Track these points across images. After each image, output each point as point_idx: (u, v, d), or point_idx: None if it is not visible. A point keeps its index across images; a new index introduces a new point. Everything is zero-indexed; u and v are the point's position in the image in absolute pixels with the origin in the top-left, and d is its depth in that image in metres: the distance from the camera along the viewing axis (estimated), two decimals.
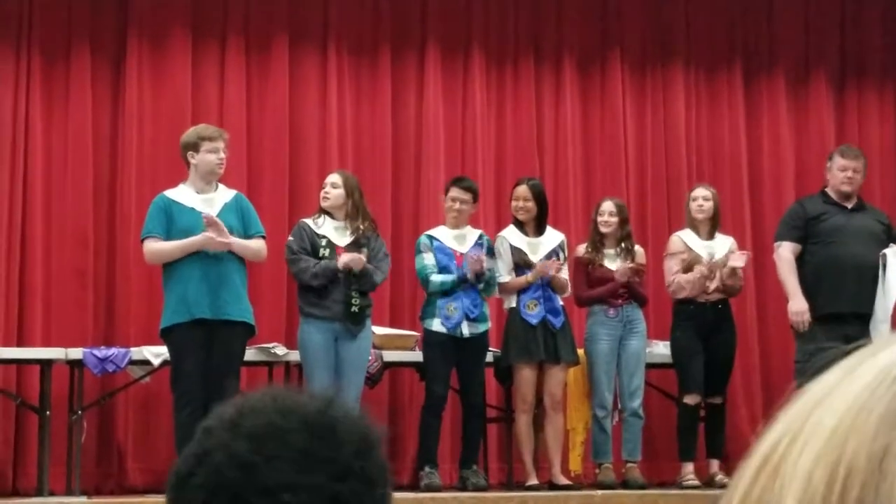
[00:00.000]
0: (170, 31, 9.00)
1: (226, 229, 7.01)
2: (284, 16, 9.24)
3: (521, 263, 7.99)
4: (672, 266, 8.27)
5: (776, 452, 0.68)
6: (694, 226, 8.34)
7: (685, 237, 8.34)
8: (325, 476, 1.17)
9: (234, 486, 1.17)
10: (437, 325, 7.78)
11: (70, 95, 8.84)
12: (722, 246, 8.32)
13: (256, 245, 7.24)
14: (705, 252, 8.21)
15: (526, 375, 7.91)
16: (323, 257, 7.47)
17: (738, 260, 8.17)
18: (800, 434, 0.68)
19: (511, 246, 8.02)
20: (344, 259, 7.39)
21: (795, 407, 0.70)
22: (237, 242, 7.10)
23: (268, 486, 1.16)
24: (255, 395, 1.25)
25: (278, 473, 1.16)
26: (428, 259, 7.88)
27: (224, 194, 7.31)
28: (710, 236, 8.32)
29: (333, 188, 7.64)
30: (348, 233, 7.59)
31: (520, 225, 8.12)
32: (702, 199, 8.32)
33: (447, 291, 7.77)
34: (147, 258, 7.25)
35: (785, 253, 7.89)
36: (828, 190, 8.08)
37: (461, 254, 7.89)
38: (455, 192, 8.00)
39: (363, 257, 7.43)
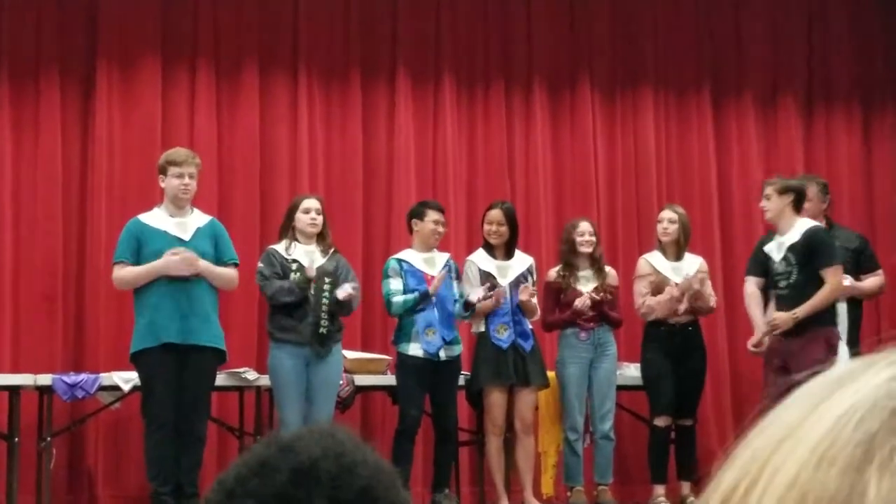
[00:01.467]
0: (139, 56, 8.99)
1: (195, 256, 7.01)
2: (254, 41, 9.24)
3: (489, 287, 7.98)
4: (640, 289, 8.30)
5: (735, 495, 0.67)
6: (661, 247, 8.37)
7: (652, 259, 8.37)
8: None
9: None
10: (413, 349, 7.75)
11: (39, 121, 8.81)
12: (690, 266, 8.34)
13: (228, 273, 7.23)
14: (673, 273, 8.24)
15: (496, 399, 7.90)
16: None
17: (696, 282, 8.21)
18: (759, 478, 0.66)
19: (480, 270, 8.02)
20: (345, 294, 7.39)
21: (755, 444, 0.68)
22: (207, 268, 7.08)
23: None
24: (304, 428, 1.23)
25: None
26: (394, 284, 7.85)
27: (198, 219, 7.30)
28: (678, 257, 8.34)
29: (318, 214, 7.64)
30: (320, 255, 7.57)
31: (489, 248, 8.12)
32: (667, 221, 8.36)
33: (410, 310, 7.75)
34: (115, 284, 7.26)
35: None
36: None
37: (431, 276, 7.89)
38: (436, 215, 7.99)
39: (351, 290, 7.44)
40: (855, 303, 8.07)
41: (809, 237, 7.46)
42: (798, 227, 7.52)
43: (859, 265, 8.10)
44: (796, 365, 7.26)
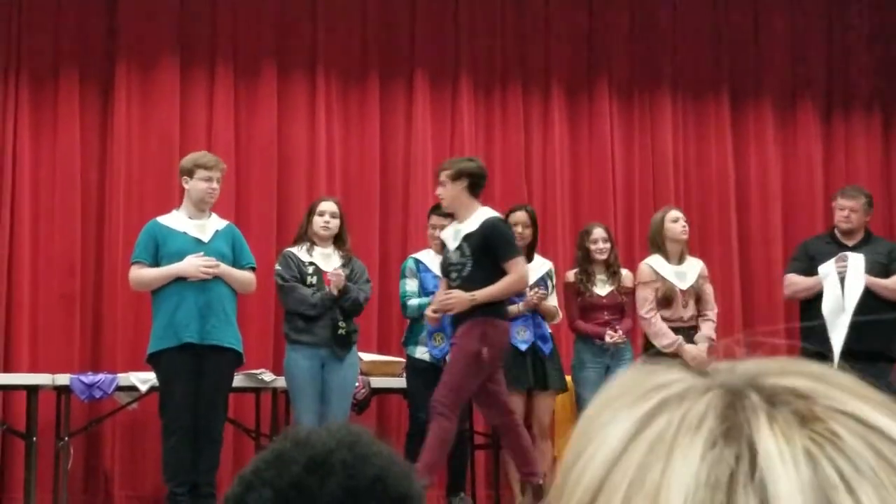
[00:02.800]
0: (158, 56, 9.01)
1: (215, 262, 7.04)
2: (272, 42, 9.26)
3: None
4: (646, 295, 8.14)
5: None
6: (664, 251, 8.20)
7: (654, 264, 8.21)
8: None
9: (233, 501, 1.22)
10: (420, 352, 7.76)
11: (58, 121, 8.85)
12: (692, 270, 8.21)
13: (246, 277, 7.25)
14: (676, 278, 8.13)
15: (514, 402, 7.89)
16: (311, 285, 7.47)
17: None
18: None
19: None
20: (331, 279, 7.40)
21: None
22: (227, 271, 7.11)
23: None
24: (323, 426, 1.27)
25: (261, 499, 1.19)
26: (410, 285, 7.86)
27: (217, 222, 7.33)
28: (681, 261, 8.22)
29: (333, 217, 7.63)
30: (336, 259, 7.58)
31: None
32: (683, 220, 8.22)
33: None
34: (131, 284, 7.28)
35: (789, 276, 8.11)
36: (835, 229, 8.21)
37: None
38: (434, 219, 8.00)
39: (341, 273, 7.43)
40: (891, 305, 7.84)
41: (486, 229, 6.96)
42: (477, 217, 7.04)
43: (888, 271, 7.95)
44: (452, 356, 7.00)
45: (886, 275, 7.93)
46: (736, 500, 0.64)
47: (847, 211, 8.10)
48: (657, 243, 8.11)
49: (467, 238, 6.96)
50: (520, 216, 8.07)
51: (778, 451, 0.65)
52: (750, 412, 0.67)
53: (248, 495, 1.20)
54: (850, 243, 8.04)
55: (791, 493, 0.64)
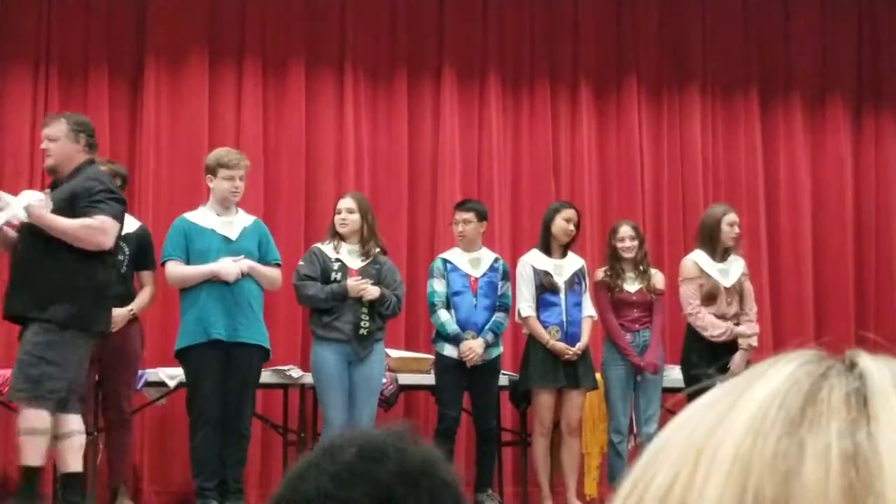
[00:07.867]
0: (187, 52, 9.03)
1: (246, 264, 7.09)
2: (301, 38, 9.27)
3: (546, 285, 7.94)
4: (691, 291, 8.12)
5: (678, 481, 0.68)
6: (712, 248, 8.18)
7: (699, 260, 8.21)
8: (361, 492, 1.21)
9: (287, 492, 1.25)
10: (448, 349, 7.76)
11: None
12: (735, 267, 8.20)
13: (272, 273, 7.28)
14: (720, 276, 8.12)
15: (545, 400, 7.89)
16: (334, 281, 7.46)
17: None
18: (698, 464, 0.68)
19: (535, 269, 7.99)
20: (354, 286, 7.37)
21: (679, 443, 0.71)
22: (254, 266, 7.14)
23: (309, 496, 1.23)
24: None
25: (319, 484, 1.22)
26: (438, 286, 7.85)
27: (243, 219, 7.35)
28: (724, 258, 8.20)
29: (349, 213, 7.61)
30: (361, 256, 7.57)
31: (546, 248, 8.07)
32: (738, 225, 8.17)
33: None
34: (169, 281, 7.28)
35: None
36: None
37: (475, 278, 7.89)
38: (456, 214, 8.00)
39: (375, 290, 7.41)
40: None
41: None
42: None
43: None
44: None
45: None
46: (828, 383, 0.69)
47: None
48: (707, 240, 8.10)
49: None
50: (571, 213, 8.12)
51: (875, 362, 0.70)
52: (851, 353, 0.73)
53: (302, 484, 1.23)
54: None
55: (888, 381, 0.69)
